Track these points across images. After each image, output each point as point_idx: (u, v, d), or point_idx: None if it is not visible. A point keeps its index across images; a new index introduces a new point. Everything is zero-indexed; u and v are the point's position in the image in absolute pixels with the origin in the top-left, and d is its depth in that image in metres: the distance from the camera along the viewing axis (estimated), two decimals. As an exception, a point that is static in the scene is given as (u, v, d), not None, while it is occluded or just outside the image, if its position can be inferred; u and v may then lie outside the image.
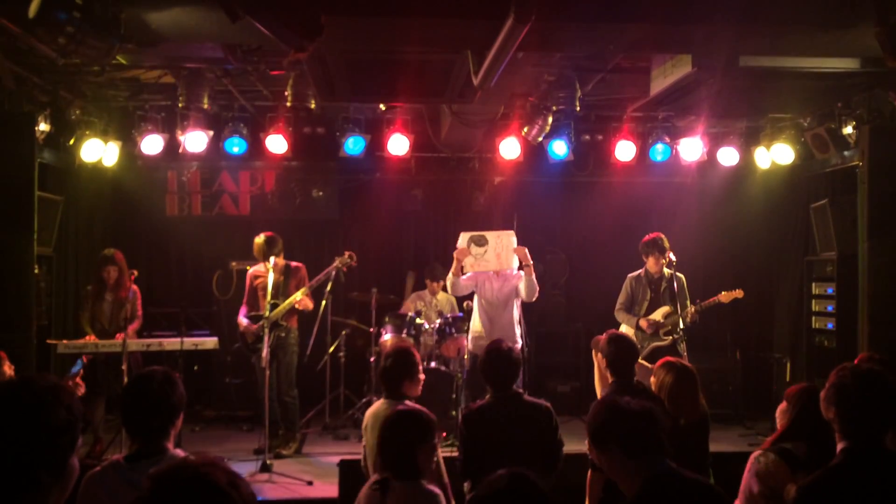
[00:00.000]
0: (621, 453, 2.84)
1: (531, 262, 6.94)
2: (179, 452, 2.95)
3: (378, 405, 4.50)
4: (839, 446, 2.86)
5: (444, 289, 8.26)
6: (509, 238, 7.03)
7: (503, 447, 4.18)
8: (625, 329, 7.13)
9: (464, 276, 7.08)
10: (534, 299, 7.09)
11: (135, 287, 7.13)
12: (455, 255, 6.98)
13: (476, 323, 7.14)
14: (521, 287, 7.00)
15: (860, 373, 2.92)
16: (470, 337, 7.17)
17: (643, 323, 7.03)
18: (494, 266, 6.97)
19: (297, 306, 7.04)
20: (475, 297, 7.22)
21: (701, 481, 2.92)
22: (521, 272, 7.06)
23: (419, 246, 9.85)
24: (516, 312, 7.13)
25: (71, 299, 8.16)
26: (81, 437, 2.04)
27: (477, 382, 6.34)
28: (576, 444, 4.61)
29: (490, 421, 4.33)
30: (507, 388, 4.43)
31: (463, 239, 7.02)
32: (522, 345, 7.21)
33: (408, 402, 4.44)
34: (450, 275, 7.05)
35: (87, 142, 7.51)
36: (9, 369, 4.86)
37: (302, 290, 7.05)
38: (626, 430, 2.85)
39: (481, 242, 6.96)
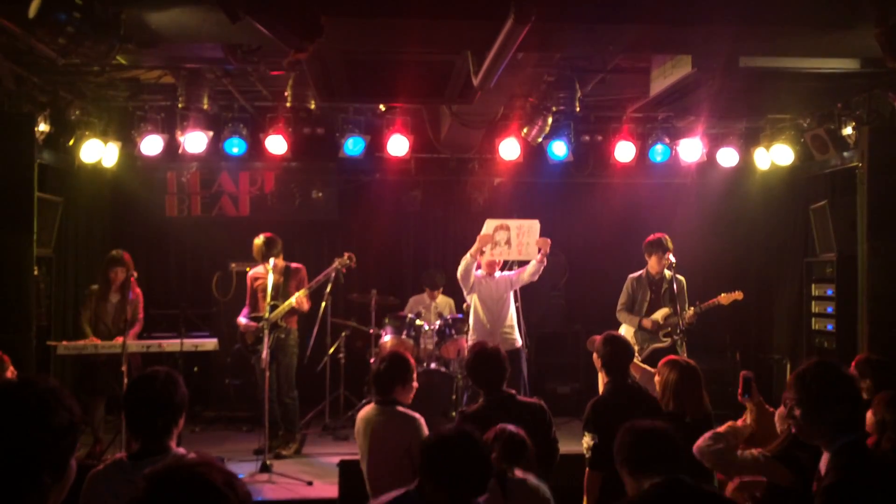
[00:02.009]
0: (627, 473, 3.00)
1: (548, 253, 7.03)
2: (182, 451, 2.96)
3: (369, 410, 4.49)
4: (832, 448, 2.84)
5: (444, 292, 8.31)
6: (532, 227, 7.04)
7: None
8: (625, 329, 7.14)
9: (477, 272, 7.13)
10: (535, 279, 7.16)
11: (138, 290, 7.14)
12: (479, 238, 7.01)
13: (474, 321, 7.18)
14: (525, 274, 7.07)
15: (815, 374, 2.89)
16: (471, 335, 7.18)
17: (646, 322, 7.02)
18: (513, 256, 7.04)
19: (295, 305, 7.04)
20: (473, 297, 7.24)
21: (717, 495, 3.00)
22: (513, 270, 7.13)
23: (419, 247, 9.85)
24: (512, 308, 7.17)
25: (70, 300, 8.16)
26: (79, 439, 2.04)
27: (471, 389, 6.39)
28: (575, 445, 4.61)
29: (485, 424, 4.34)
30: (497, 389, 4.45)
31: (489, 226, 7.04)
32: (523, 343, 7.25)
33: (400, 408, 4.44)
34: (468, 255, 7.06)
35: (87, 142, 7.51)
36: (11, 375, 4.86)
37: (301, 290, 7.05)
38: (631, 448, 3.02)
39: (504, 232, 6.98)
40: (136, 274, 6.91)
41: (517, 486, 3.37)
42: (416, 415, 4.44)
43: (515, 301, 7.26)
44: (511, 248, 6.99)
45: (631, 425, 3.15)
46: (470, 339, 7.18)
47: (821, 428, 2.82)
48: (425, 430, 4.37)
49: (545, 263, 7.04)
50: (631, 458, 3.04)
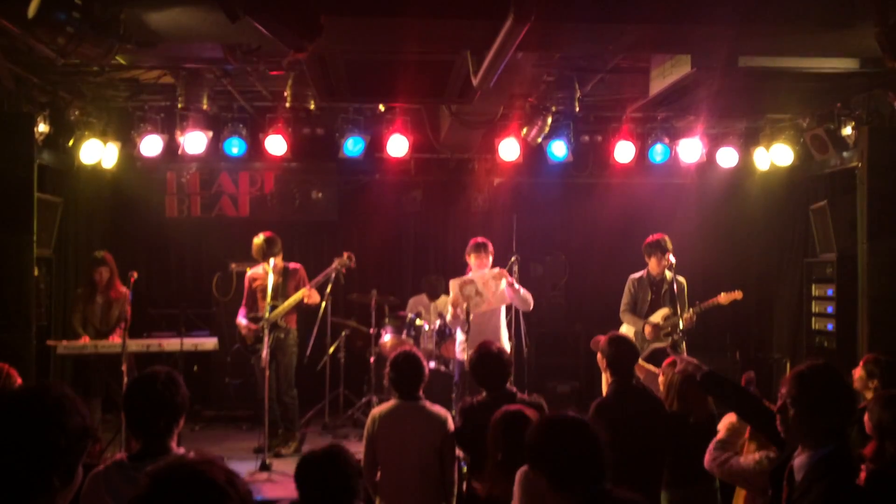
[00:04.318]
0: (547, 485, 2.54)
1: (512, 280, 6.88)
2: (182, 451, 2.95)
3: (392, 408, 4.46)
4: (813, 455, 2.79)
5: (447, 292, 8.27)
6: (492, 275, 6.88)
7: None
8: (626, 329, 7.13)
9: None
10: (531, 308, 7.08)
11: (122, 288, 7.13)
12: (451, 303, 6.95)
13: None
14: (517, 301, 6.98)
15: (819, 378, 2.84)
16: (458, 343, 7.15)
17: (647, 330, 7.02)
18: (489, 305, 6.91)
19: (306, 300, 7.03)
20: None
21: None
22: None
23: (419, 247, 9.85)
24: (502, 319, 7.13)
25: (70, 301, 8.15)
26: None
27: (468, 388, 6.38)
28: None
29: (486, 416, 4.36)
30: (500, 388, 4.51)
31: (454, 287, 6.89)
32: (511, 348, 7.22)
33: (429, 405, 4.45)
34: (450, 318, 7.06)
35: (87, 143, 7.50)
36: None
37: (303, 289, 7.05)
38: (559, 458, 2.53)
39: (471, 288, 6.89)
40: (135, 274, 6.89)
41: None
42: (446, 412, 4.47)
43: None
44: (484, 298, 6.90)
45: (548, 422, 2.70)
46: (457, 347, 7.13)
47: (812, 432, 2.78)
48: (452, 427, 4.40)
49: (522, 290, 6.89)
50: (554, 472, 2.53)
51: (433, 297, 8.39)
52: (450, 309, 7.09)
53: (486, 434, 3.72)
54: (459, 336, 7.14)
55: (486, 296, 6.89)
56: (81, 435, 1.96)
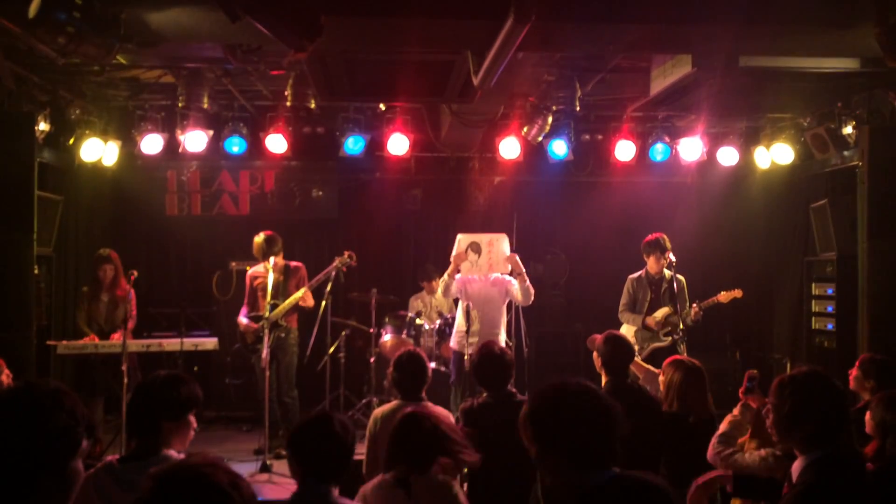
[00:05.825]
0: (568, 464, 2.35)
1: (523, 270, 6.88)
2: (173, 454, 2.95)
3: (395, 409, 4.47)
4: (805, 459, 2.78)
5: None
6: (501, 243, 6.93)
7: (501, 445, 4.22)
8: (626, 329, 7.13)
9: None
10: (530, 302, 7.07)
11: (128, 287, 7.13)
12: (453, 258, 6.89)
13: (461, 321, 7.11)
14: (517, 293, 6.95)
15: (805, 378, 2.84)
16: (454, 333, 7.14)
17: (649, 321, 6.99)
18: (483, 271, 6.92)
19: (300, 303, 7.03)
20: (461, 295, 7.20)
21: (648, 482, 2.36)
22: (513, 279, 7.02)
23: (419, 246, 9.85)
24: (503, 313, 7.12)
25: (71, 299, 8.14)
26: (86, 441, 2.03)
27: (466, 380, 6.37)
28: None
29: (488, 420, 4.37)
30: (501, 389, 4.50)
31: (461, 243, 6.95)
32: (507, 345, 7.19)
33: (430, 405, 4.45)
34: (445, 276, 6.94)
35: (87, 141, 7.50)
36: (6, 378, 4.86)
37: (302, 289, 7.04)
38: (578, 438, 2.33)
39: (477, 249, 6.90)
40: (135, 273, 6.89)
41: (423, 485, 3.38)
42: (448, 413, 4.47)
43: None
44: (481, 264, 6.89)
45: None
46: (454, 337, 7.12)
47: (801, 438, 2.80)
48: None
49: (528, 282, 6.90)
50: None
51: (428, 279, 8.34)
52: (446, 278, 6.97)
53: (490, 436, 3.72)
54: (457, 326, 7.12)
55: (485, 262, 6.85)
56: (66, 432, 1.92)
